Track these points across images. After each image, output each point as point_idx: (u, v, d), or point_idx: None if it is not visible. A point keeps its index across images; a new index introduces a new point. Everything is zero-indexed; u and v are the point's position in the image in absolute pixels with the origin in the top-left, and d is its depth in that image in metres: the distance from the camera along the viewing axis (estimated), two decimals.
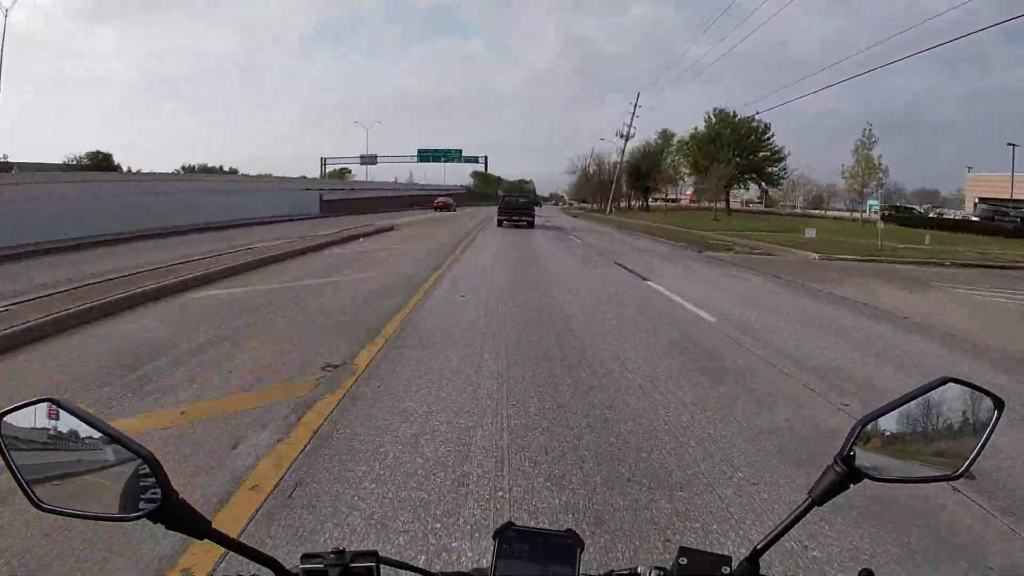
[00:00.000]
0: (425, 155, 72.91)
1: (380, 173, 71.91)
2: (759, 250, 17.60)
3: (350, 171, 73.31)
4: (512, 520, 0.64)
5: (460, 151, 73.58)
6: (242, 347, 4.82)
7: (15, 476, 0.57)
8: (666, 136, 62.36)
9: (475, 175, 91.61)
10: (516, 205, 24.94)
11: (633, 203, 68.00)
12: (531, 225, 24.34)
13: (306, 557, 0.62)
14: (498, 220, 24.36)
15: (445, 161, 73.37)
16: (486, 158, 78.42)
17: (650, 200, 66.22)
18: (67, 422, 0.58)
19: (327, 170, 70.18)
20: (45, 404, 0.58)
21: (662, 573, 0.64)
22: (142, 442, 0.58)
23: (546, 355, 4.77)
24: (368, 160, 70.75)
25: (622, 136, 56.98)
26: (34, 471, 0.59)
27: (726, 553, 0.65)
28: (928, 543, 2.21)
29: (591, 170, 71.91)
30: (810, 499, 0.64)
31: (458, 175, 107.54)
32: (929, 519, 2.39)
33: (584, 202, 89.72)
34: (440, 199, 52.07)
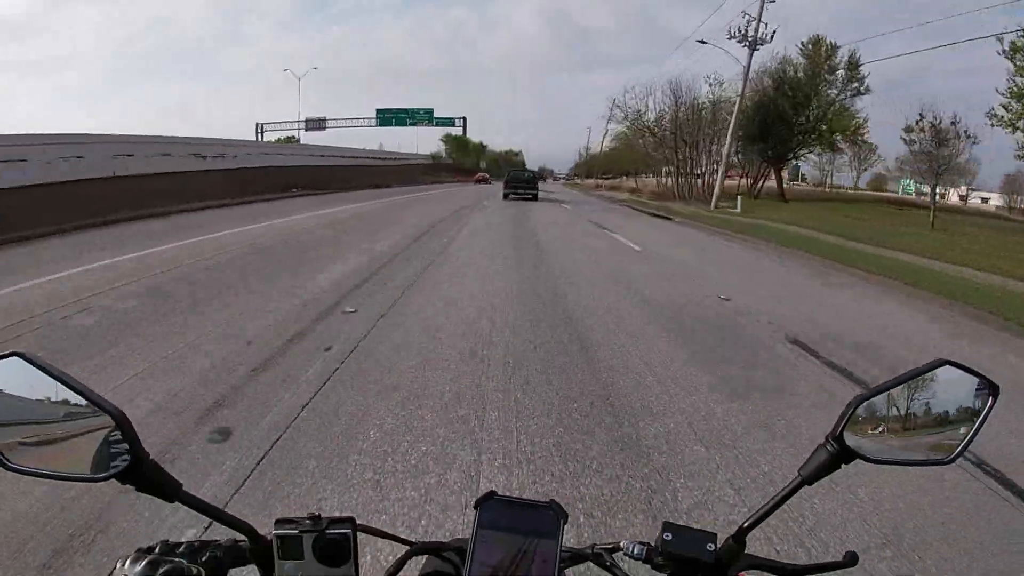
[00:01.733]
0: (386, 117, 56.37)
1: (337, 140, 57.69)
2: None
3: (295, 138, 55.17)
4: (494, 489, 0.62)
5: (431, 111, 57.34)
6: None
7: None
8: (821, 50, 30.41)
9: (448, 140, 68.70)
10: (521, 179, 27.08)
11: (742, 179, 35.15)
12: (535, 198, 25.83)
13: (280, 523, 0.60)
14: (504, 193, 26.09)
15: (412, 123, 57.17)
16: (465, 120, 61.18)
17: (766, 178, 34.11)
18: (36, 378, 0.56)
19: (263, 138, 53.42)
20: (12, 359, 0.56)
21: (646, 548, 0.63)
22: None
23: None
24: (315, 125, 55.77)
25: (744, 40, 24.15)
26: (1, 430, 0.57)
27: (711, 530, 0.62)
28: None
29: (649, 117, 34.30)
30: (800, 478, 0.62)
31: (433, 142, 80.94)
32: None
33: (603, 176, 62.56)
34: (479, 174, 54.62)
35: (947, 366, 0.63)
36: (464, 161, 69.11)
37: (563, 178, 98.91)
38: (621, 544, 0.64)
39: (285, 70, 75.10)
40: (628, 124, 36.43)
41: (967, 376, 0.65)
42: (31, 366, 0.55)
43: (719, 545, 0.62)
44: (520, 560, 0.59)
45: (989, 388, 0.65)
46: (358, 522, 0.62)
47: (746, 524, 0.63)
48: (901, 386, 0.63)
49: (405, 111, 56.87)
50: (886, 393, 0.63)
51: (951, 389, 0.65)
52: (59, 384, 0.56)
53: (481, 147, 78.49)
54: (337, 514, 0.62)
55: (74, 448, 0.57)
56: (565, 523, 0.61)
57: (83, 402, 0.56)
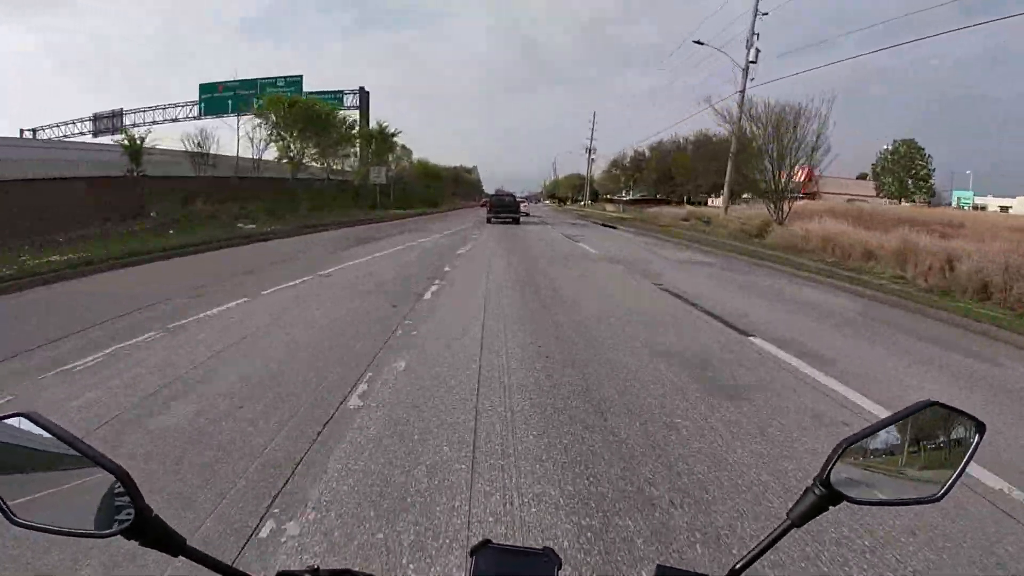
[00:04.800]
0: (217, 99, 32.05)
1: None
2: None
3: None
4: (489, 538, 0.64)
5: (299, 80, 31.90)
6: None
7: None
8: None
9: (275, 107, 26.86)
10: (503, 204, 26.87)
11: None
12: (516, 222, 25.67)
13: (281, 575, 0.62)
14: (487, 218, 26.09)
15: (262, 105, 27.98)
16: (363, 95, 35.03)
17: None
18: (41, 437, 0.58)
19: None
20: (18, 419, 0.58)
21: None
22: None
23: None
24: (107, 124, 33.42)
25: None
26: (9, 486, 0.58)
27: (703, 571, 0.65)
28: None
29: None
30: (789, 520, 0.63)
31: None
32: None
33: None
34: (483, 199, 48.11)
35: (934, 406, 0.65)
36: (343, 172, 33.24)
37: (524, 199, 60.26)
38: None
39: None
40: None
41: (953, 415, 0.66)
42: (36, 427, 0.57)
43: None
44: None
45: (975, 426, 0.66)
46: (354, 570, 0.63)
47: (737, 566, 0.64)
48: (888, 427, 0.64)
49: (251, 83, 31.51)
50: (873, 435, 0.64)
51: (937, 428, 0.66)
52: (62, 443, 0.57)
53: (382, 137, 36.21)
54: (336, 567, 0.63)
55: (79, 505, 0.59)
56: (560, 569, 0.62)
57: (86, 461, 0.57)
